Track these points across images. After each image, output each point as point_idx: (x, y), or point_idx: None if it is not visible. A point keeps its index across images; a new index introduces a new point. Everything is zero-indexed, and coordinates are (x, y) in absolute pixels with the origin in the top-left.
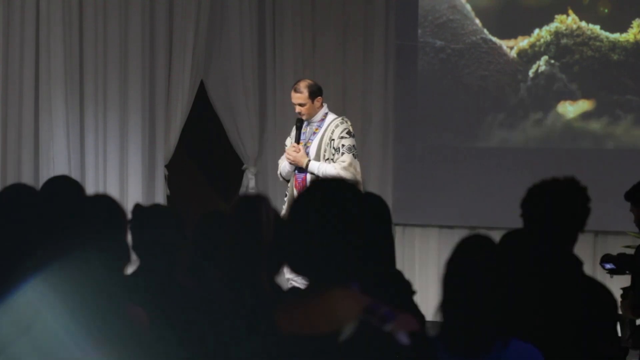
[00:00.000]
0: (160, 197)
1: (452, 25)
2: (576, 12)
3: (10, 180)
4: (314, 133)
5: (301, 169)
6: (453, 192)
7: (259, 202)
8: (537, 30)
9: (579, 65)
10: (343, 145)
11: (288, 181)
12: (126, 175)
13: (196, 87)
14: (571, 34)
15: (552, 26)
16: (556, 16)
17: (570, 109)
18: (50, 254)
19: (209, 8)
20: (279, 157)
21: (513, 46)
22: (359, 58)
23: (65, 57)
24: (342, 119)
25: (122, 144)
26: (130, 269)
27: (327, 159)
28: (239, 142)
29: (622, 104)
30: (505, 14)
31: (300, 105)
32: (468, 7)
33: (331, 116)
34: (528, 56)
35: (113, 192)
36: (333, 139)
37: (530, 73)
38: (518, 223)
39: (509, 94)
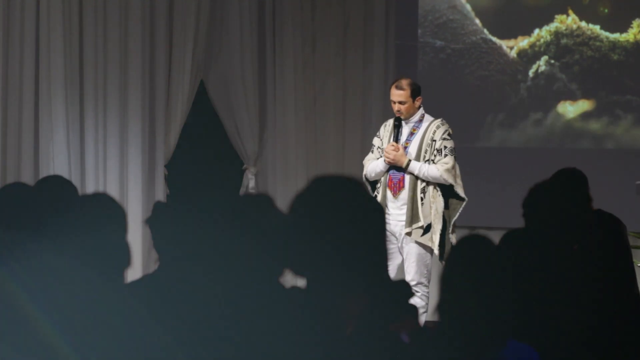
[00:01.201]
0: (160, 197)
1: (452, 25)
2: (576, 12)
3: (10, 180)
4: (412, 133)
5: (398, 169)
6: None
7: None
8: (537, 30)
9: (579, 65)
10: (445, 147)
11: (371, 183)
12: (126, 175)
13: (196, 87)
14: (571, 34)
15: (552, 26)
16: (556, 16)
17: (570, 109)
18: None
19: (209, 8)
20: (279, 157)
21: (513, 46)
22: (359, 58)
23: (65, 57)
24: (442, 121)
25: (122, 144)
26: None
27: (427, 160)
28: (239, 142)
29: (622, 104)
30: (505, 14)
31: (401, 103)
32: (468, 7)
33: (429, 117)
34: (528, 56)
35: (113, 191)
36: (434, 140)
37: (530, 73)
38: (518, 223)
39: (509, 94)
